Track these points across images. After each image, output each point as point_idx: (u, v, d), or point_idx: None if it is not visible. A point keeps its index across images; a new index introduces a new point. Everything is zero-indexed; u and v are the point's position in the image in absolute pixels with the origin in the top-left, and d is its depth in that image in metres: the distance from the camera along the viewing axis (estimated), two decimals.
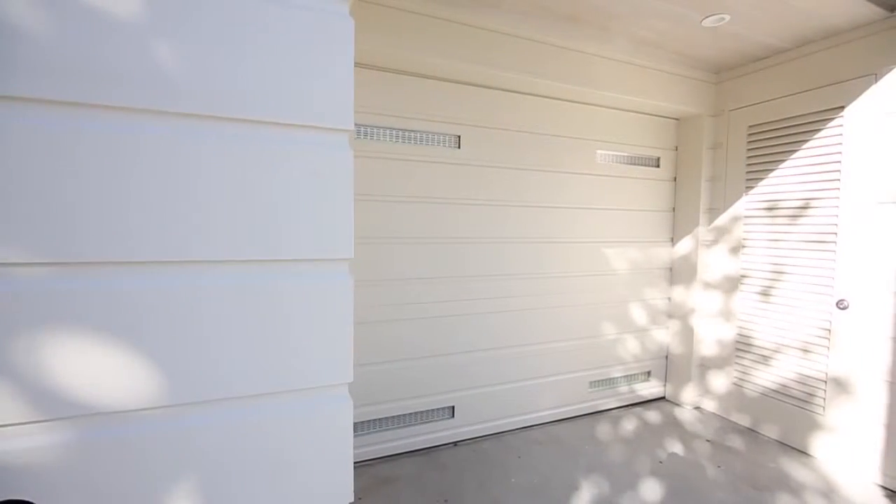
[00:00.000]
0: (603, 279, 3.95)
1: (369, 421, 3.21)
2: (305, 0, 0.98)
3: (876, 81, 2.95)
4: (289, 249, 0.99)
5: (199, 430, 0.96)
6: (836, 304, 3.13)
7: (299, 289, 1.01)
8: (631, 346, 4.15)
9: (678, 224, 4.19)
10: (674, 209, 4.22)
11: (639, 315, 4.16)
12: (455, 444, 3.44)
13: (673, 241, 4.25)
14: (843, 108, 3.12)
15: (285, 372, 1.01)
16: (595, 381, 4.03)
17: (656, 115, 4.07)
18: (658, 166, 4.13)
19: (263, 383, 1.00)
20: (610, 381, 4.11)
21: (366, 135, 3.05)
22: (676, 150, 4.19)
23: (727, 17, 2.94)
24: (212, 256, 0.94)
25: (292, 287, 1.00)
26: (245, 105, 0.93)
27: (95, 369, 0.88)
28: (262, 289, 0.98)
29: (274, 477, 1.02)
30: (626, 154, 3.99)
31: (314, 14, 0.98)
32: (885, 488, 2.95)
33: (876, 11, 2.85)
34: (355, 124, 3.00)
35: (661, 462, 3.23)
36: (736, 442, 3.54)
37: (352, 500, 1.09)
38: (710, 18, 2.96)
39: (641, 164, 4.07)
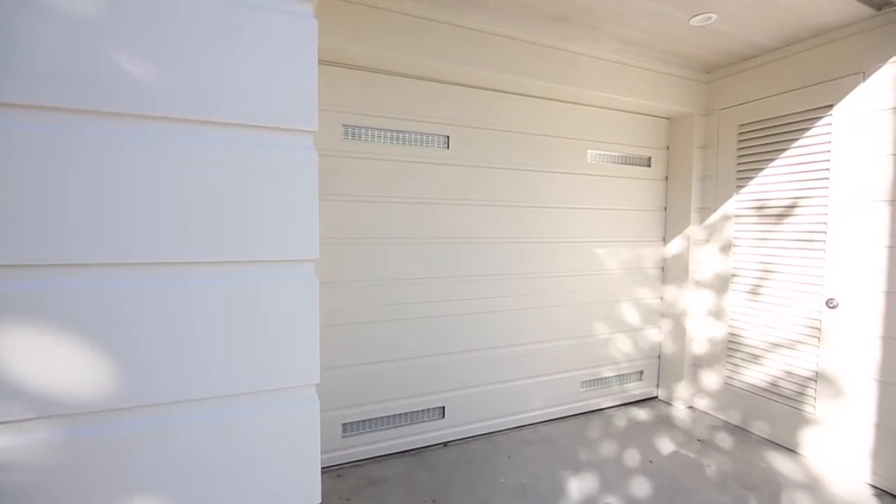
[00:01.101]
0: (594, 279, 3.95)
1: (359, 422, 3.21)
2: (269, 1, 0.98)
3: (864, 80, 2.95)
4: (254, 251, 0.99)
5: (180, 430, 0.96)
6: (826, 302, 3.13)
7: (266, 290, 1.01)
8: (623, 345, 4.15)
9: (670, 223, 4.19)
10: (665, 208, 4.22)
11: (631, 315, 4.16)
12: (445, 444, 3.44)
13: (665, 240, 4.25)
14: (831, 106, 3.12)
15: (258, 372, 1.01)
16: (587, 381, 4.03)
17: (647, 115, 4.07)
18: (649, 166, 4.13)
19: (239, 383, 1.00)
20: (602, 381, 4.11)
21: (355, 136, 3.05)
22: (668, 149, 4.19)
23: (714, 17, 2.94)
24: (186, 258, 0.94)
25: (260, 288, 1.00)
26: (208, 107, 0.93)
27: (73, 369, 0.88)
28: (232, 289, 0.98)
29: (244, 476, 1.02)
30: (617, 154, 3.99)
31: (278, 15, 0.98)
32: (874, 487, 2.95)
33: (864, 9, 2.85)
34: (344, 125, 3.01)
35: (650, 461, 3.23)
36: (726, 441, 3.54)
37: (319, 501, 1.09)
38: (698, 18, 2.96)
39: (633, 164, 4.07)
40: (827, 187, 3.15)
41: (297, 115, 1.00)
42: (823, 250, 3.17)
